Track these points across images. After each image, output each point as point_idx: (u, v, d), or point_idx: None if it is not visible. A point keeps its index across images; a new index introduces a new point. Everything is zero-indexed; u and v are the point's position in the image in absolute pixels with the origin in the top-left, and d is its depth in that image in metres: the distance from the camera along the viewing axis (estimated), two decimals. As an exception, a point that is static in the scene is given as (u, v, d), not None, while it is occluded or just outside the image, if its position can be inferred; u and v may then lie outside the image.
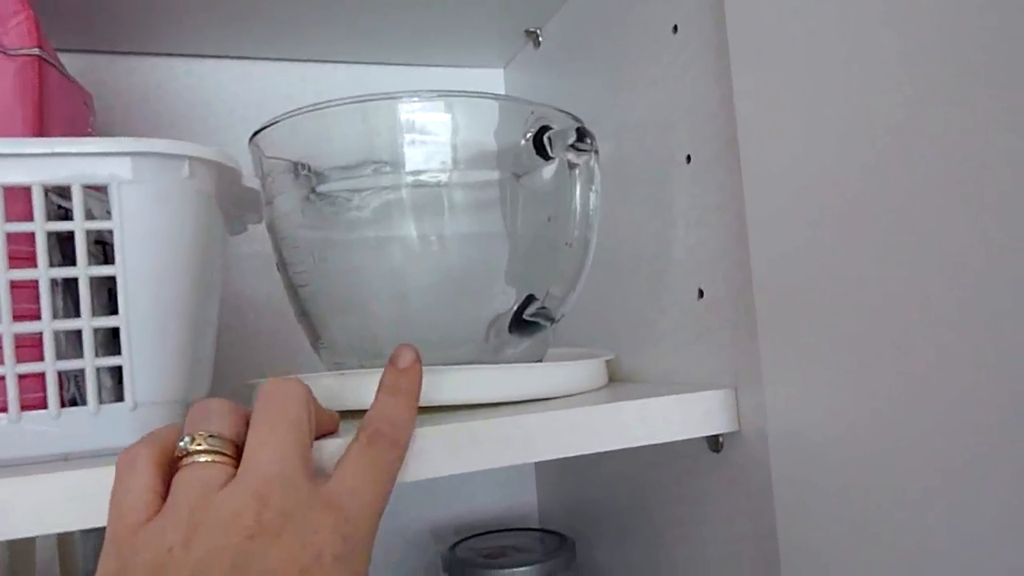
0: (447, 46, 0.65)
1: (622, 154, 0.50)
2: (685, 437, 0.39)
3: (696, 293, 0.43)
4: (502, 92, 0.71)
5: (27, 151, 0.30)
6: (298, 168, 0.47)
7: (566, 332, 0.58)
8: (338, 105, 0.43)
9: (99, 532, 0.42)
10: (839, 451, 0.33)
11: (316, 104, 0.43)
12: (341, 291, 0.47)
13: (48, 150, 0.30)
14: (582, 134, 0.42)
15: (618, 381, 0.50)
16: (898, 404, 0.30)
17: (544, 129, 0.43)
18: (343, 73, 0.66)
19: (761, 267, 0.37)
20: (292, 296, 0.49)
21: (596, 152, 0.43)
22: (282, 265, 0.49)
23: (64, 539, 0.47)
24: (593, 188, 0.44)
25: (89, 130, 0.43)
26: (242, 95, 0.63)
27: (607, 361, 0.49)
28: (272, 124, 0.45)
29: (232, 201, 0.39)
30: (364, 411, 0.39)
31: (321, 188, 0.47)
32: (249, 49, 0.62)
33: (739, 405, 0.40)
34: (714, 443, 0.42)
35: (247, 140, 0.46)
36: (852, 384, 0.32)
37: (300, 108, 0.44)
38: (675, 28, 0.44)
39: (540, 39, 0.62)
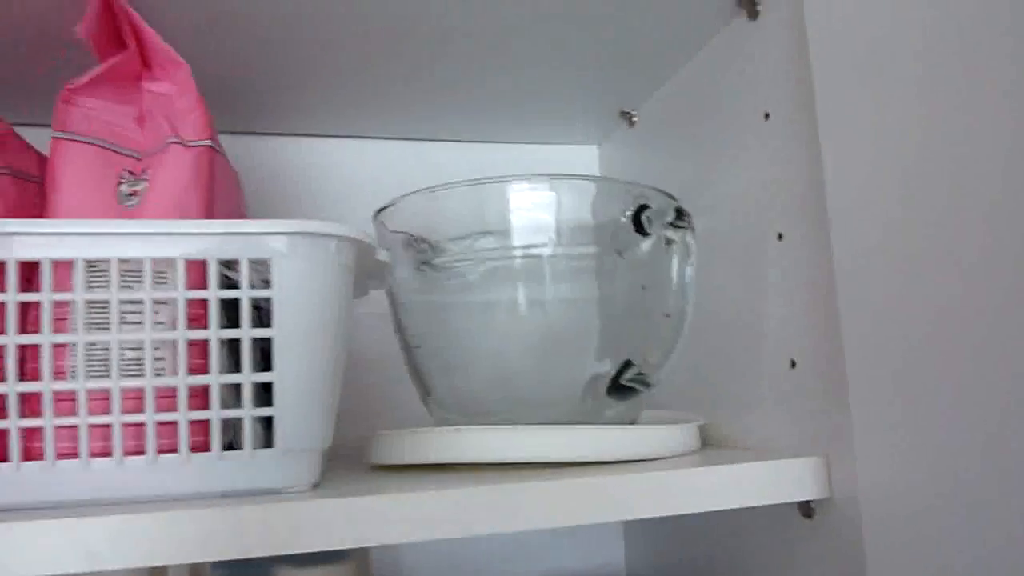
0: (545, 125, 0.69)
1: (715, 229, 0.53)
2: (775, 502, 0.41)
3: (788, 363, 0.45)
4: (596, 168, 0.75)
5: (209, 231, 0.35)
6: (414, 240, 0.52)
7: (659, 395, 0.60)
8: (454, 187, 0.48)
9: (229, 562, 0.46)
10: (933, 519, 0.34)
11: (435, 186, 0.48)
12: (449, 352, 0.52)
13: (225, 230, 0.35)
14: (680, 213, 0.45)
15: (710, 446, 0.53)
16: (993, 471, 0.31)
17: (643, 207, 0.47)
18: (449, 150, 0.72)
19: (852, 338, 0.39)
20: (406, 355, 0.54)
21: (692, 229, 0.46)
22: (398, 327, 0.54)
23: (195, 566, 0.52)
24: (689, 262, 0.47)
25: (242, 207, 0.49)
26: (359, 171, 0.70)
27: (700, 426, 0.51)
28: (394, 203, 0.50)
29: (364, 270, 0.44)
30: (464, 464, 0.43)
31: (433, 259, 0.51)
32: (366, 129, 0.68)
33: (831, 472, 0.42)
34: (806, 509, 0.44)
35: (363, 212, 0.51)
36: (945, 452, 0.34)
37: (420, 189, 0.49)
38: (766, 115, 0.47)
39: (634, 119, 0.67)
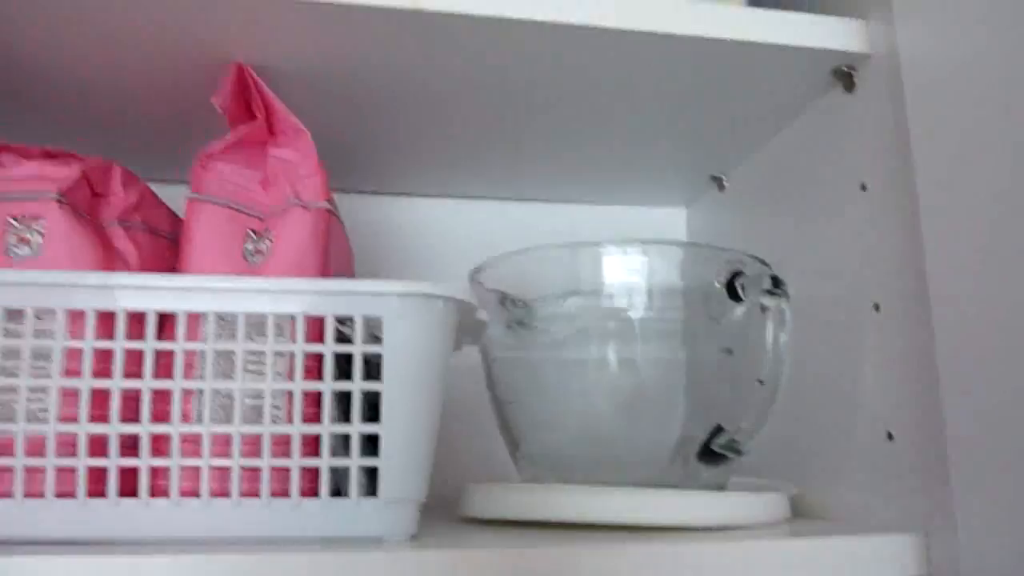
0: (633, 188, 0.71)
1: (809, 296, 0.53)
2: (873, 579, 0.40)
3: (885, 435, 0.45)
4: (684, 230, 0.76)
5: (329, 290, 0.38)
6: (507, 299, 0.53)
7: (748, 461, 0.59)
8: (549, 250, 0.50)
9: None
10: (1041, 606, 0.33)
11: (530, 248, 0.50)
12: (539, 408, 0.53)
13: (343, 289, 0.38)
14: (776, 281, 0.46)
15: (800, 517, 0.52)
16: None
17: (737, 274, 0.47)
18: (539, 209, 0.74)
19: (953, 411, 0.39)
20: (496, 409, 0.55)
21: (787, 296, 0.47)
22: (489, 382, 0.55)
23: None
24: (784, 329, 0.47)
25: (352, 262, 0.52)
26: (452, 229, 0.72)
27: (790, 496, 0.51)
28: (490, 263, 0.52)
29: (461, 327, 0.46)
30: (556, 524, 0.44)
31: (526, 317, 0.53)
32: (459, 189, 0.71)
33: (930, 550, 0.41)
34: (903, 587, 0.43)
35: (456, 267, 0.53)
36: (1054, 539, 0.33)
37: (515, 251, 0.51)
38: (863, 186, 0.48)
39: (725, 184, 0.68)
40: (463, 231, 0.73)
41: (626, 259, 0.49)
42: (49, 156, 0.44)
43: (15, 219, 0.42)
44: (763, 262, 0.49)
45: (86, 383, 0.36)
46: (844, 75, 0.49)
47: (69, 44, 0.45)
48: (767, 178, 0.61)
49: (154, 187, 0.51)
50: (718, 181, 0.68)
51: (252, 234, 0.44)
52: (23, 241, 0.42)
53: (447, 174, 0.68)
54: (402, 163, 0.65)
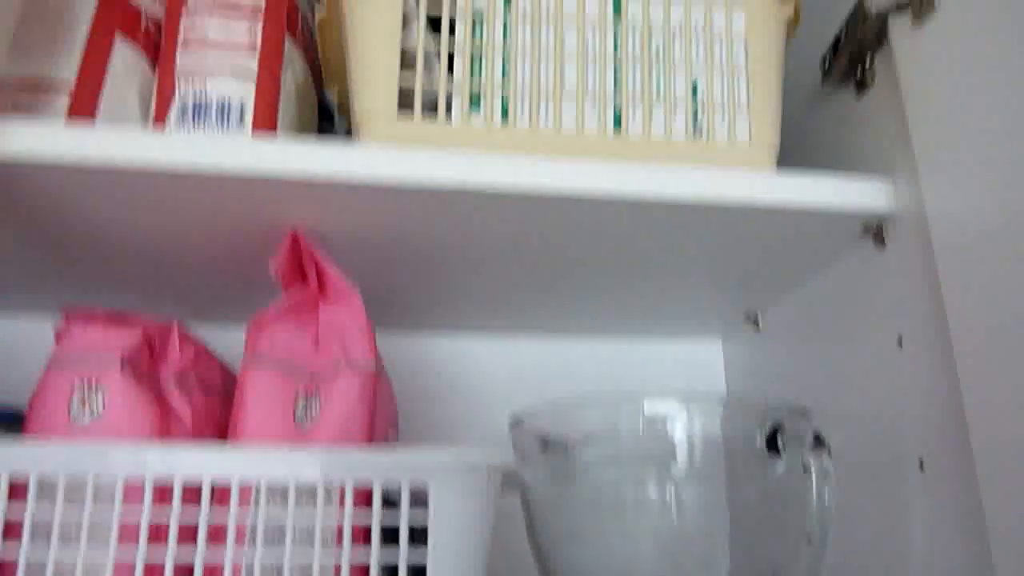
0: (670, 324, 0.72)
1: (847, 447, 0.53)
2: None
3: (938, 599, 0.44)
4: (721, 364, 0.76)
5: (378, 459, 0.39)
6: (548, 444, 0.54)
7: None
8: (590, 401, 0.51)
9: None
10: None
11: (569, 399, 0.51)
12: (580, 555, 0.52)
13: (391, 458, 0.39)
14: (818, 438, 0.46)
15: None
16: None
17: (777, 429, 0.48)
18: (578, 344, 0.75)
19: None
20: (536, 555, 0.55)
21: (830, 453, 0.47)
22: (530, 527, 0.55)
23: None
24: (828, 485, 0.47)
25: (395, 413, 0.53)
26: (492, 364, 0.74)
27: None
28: (529, 411, 0.52)
29: (504, 479, 0.46)
30: None
31: (567, 463, 0.53)
32: (498, 326, 0.73)
33: None
34: None
35: (494, 401, 0.54)
36: None
37: (558, 401, 0.51)
38: (900, 340, 0.48)
39: (760, 323, 0.68)
40: (502, 366, 0.74)
41: (667, 411, 0.50)
42: (113, 320, 0.47)
43: (80, 384, 0.44)
44: (804, 412, 0.49)
45: (141, 554, 0.37)
46: (875, 232, 0.50)
47: (142, 217, 0.48)
48: (802, 320, 0.62)
49: (211, 329, 0.53)
50: (753, 319, 0.69)
51: (303, 396, 0.45)
52: (87, 406, 0.44)
53: (485, 313, 0.69)
54: (442, 303, 0.67)
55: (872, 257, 0.52)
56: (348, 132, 0.69)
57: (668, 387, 0.76)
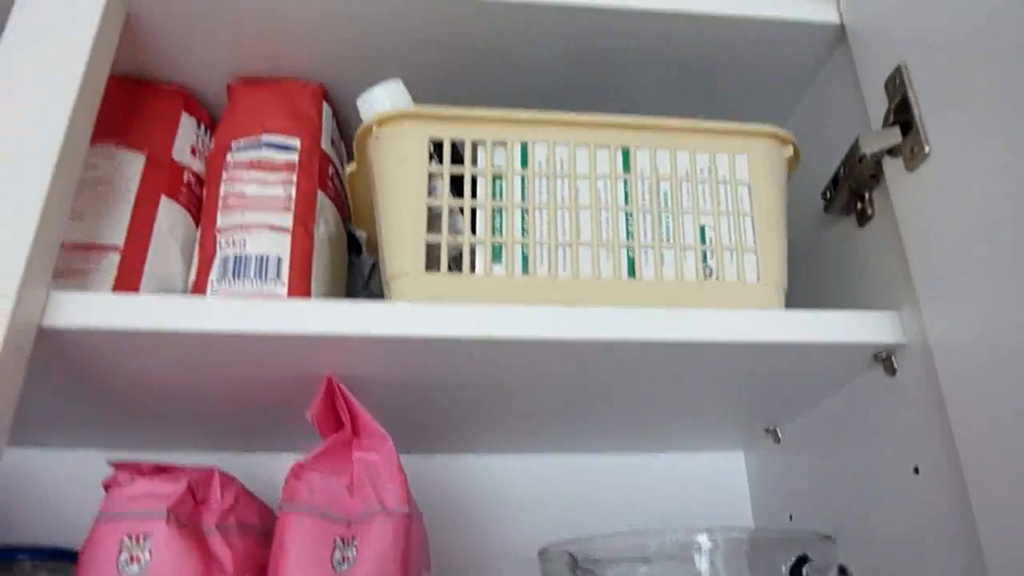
0: (692, 437, 0.73)
1: (875, 570, 0.53)
2: None
3: None
4: (743, 474, 0.77)
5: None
6: (576, 564, 0.55)
7: None
8: (618, 535, 0.52)
9: None
10: None
11: (598, 536, 0.52)
12: None
13: (427, 613, 0.40)
14: (843, 571, 0.47)
15: None
16: None
17: (802, 560, 0.49)
18: (602, 460, 0.77)
19: None
20: None
21: (855, 585, 0.47)
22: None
23: None
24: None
25: (427, 551, 0.54)
26: (518, 482, 0.75)
27: None
28: (558, 544, 0.54)
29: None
30: None
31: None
32: (524, 446, 0.74)
33: None
34: None
35: (524, 521, 0.55)
36: None
37: (586, 537, 0.53)
38: (916, 469, 0.50)
39: (780, 436, 0.70)
40: (527, 481, 0.75)
41: (693, 542, 0.51)
42: (159, 471, 0.49)
43: (128, 539, 0.46)
44: (829, 542, 0.50)
45: None
46: (885, 360, 0.52)
47: (184, 372, 0.51)
48: (821, 436, 0.63)
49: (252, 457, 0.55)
50: (773, 433, 0.70)
51: (340, 542, 0.47)
52: (134, 559, 0.46)
53: (510, 437, 0.71)
54: (469, 430, 0.69)
55: (884, 384, 0.53)
56: (374, 266, 0.72)
57: (693, 499, 0.76)
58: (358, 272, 0.74)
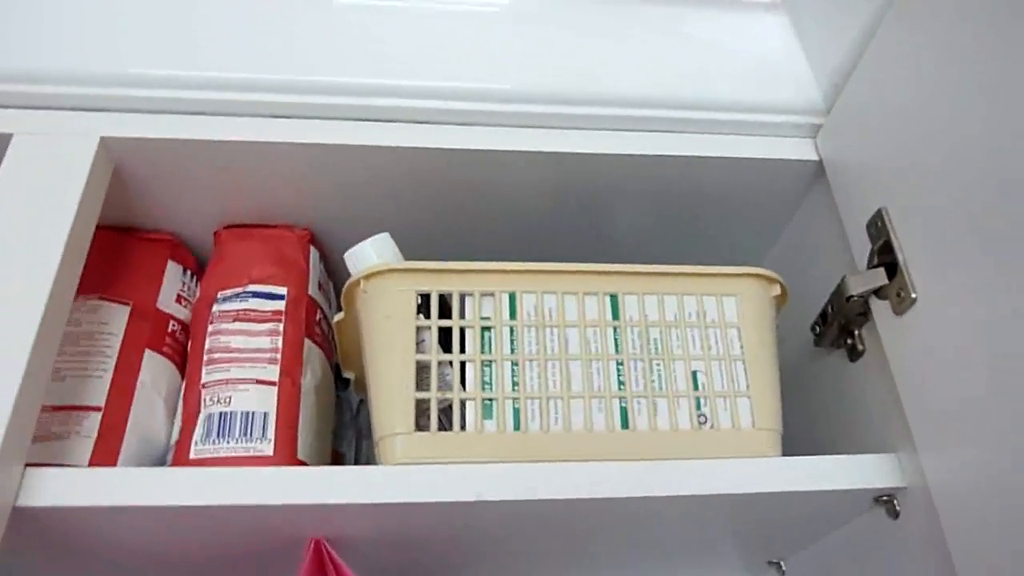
0: (694, 567, 0.71)
1: None
2: None
3: None
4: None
5: None
6: None
7: None
8: None
9: None
10: None
11: None
12: None
13: None
14: None
15: None
16: None
17: None
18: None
19: None
20: None
21: None
22: None
23: None
24: None
25: None
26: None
27: None
28: None
29: None
30: None
31: None
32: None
33: None
34: None
35: None
36: None
37: None
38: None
39: (783, 568, 0.68)
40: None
41: None
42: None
43: None
44: None
45: None
46: (887, 503, 0.51)
47: (166, 539, 0.49)
48: (826, 570, 0.61)
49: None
50: (776, 566, 0.68)
51: None
52: None
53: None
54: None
55: (887, 525, 0.52)
56: (362, 401, 0.71)
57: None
58: (346, 406, 0.72)
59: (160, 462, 0.55)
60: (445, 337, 0.50)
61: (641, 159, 0.58)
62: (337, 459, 0.64)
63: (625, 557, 0.67)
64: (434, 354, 0.49)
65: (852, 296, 0.52)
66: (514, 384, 0.49)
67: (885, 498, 0.51)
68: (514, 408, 0.49)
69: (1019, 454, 0.40)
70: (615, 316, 0.52)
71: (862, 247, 0.53)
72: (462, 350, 0.50)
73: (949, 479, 0.45)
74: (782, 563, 0.68)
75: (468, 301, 0.51)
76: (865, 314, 0.54)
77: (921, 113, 0.47)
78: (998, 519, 0.41)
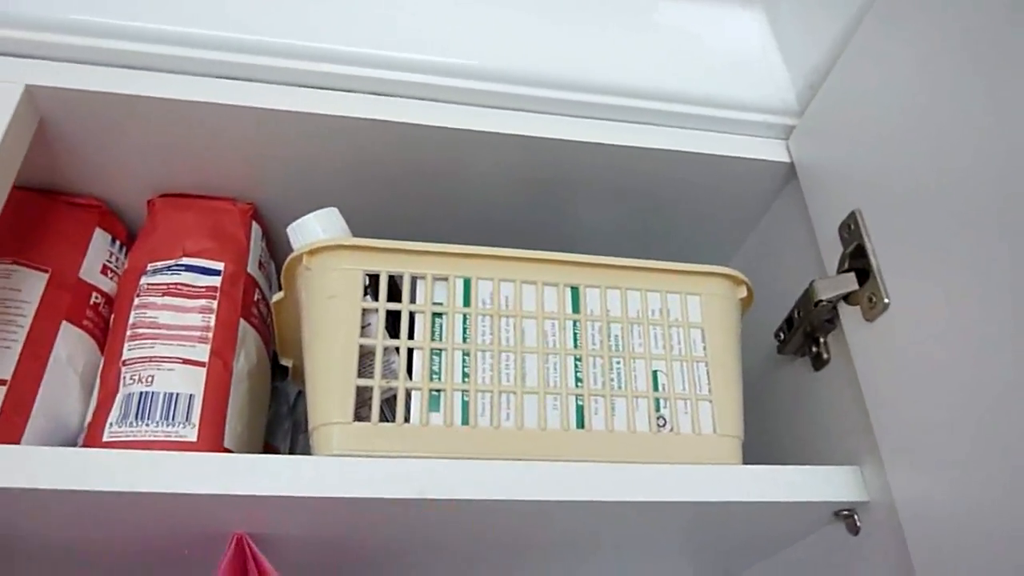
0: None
1: None
2: None
3: None
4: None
5: None
6: None
7: None
8: None
9: None
10: None
11: None
12: None
13: None
14: None
15: None
16: None
17: None
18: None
19: None
20: None
21: None
22: None
23: None
24: None
25: None
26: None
27: None
28: None
29: None
30: None
31: None
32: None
33: None
34: None
35: None
36: None
37: None
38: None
39: (734, 584, 0.65)
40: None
41: None
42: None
43: None
44: None
45: None
46: (847, 518, 0.49)
47: (76, 527, 0.44)
48: (779, 586, 0.59)
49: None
50: (729, 580, 0.66)
51: None
52: None
53: None
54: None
55: (846, 541, 0.50)
56: (300, 393, 0.67)
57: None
58: (283, 398, 0.68)
59: (71, 444, 0.50)
60: (393, 322, 0.47)
61: (608, 148, 0.55)
62: (270, 452, 0.60)
63: (571, 568, 0.64)
64: (380, 339, 0.45)
65: (821, 301, 0.50)
66: (464, 375, 0.46)
67: (846, 512, 0.49)
68: (463, 401, 0.45)
69: (994, 470, 0.38)
70: (575, 309, 0.49)
71: (833, 251, 0.51)
72: (411, 336, 0.46)
73: (917, 495, 0.43)
74: (734, 579, 0.66)
75: (420, 284, 0.47)
76: (832, 321, 0.52)
77: (900, 113, 0.46)
78: (968, 538, 0.39)
